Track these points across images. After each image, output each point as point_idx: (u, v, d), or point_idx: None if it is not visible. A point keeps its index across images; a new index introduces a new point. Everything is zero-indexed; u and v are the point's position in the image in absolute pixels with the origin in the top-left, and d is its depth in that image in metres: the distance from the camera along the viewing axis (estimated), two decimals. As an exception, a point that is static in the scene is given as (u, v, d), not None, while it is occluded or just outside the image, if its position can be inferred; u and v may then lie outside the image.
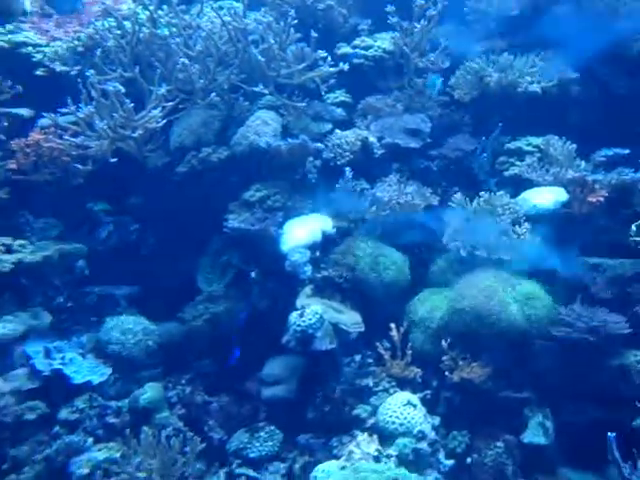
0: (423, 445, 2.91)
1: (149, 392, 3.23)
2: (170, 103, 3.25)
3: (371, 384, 3.22)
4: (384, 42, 4.22)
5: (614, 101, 3.99)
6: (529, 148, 3.92)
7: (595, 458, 2.81)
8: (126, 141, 3.21)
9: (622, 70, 4.05)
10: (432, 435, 2.98)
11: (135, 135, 3.09)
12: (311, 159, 3.62)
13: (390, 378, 3.24)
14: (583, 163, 3.78)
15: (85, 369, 3.22)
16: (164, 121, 3.23)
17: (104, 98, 3.10)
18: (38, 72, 3.88)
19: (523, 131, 3.98)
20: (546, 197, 3.58)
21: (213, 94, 3.35)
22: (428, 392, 3.21)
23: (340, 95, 4.10)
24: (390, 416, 2.99)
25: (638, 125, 3.75)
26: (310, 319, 3.04)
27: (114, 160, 3.19)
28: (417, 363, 3.28)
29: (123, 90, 3.08)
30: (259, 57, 3.41)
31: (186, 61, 3.25)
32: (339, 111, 4.00)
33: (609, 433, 2.39)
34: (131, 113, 3.08)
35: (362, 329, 3.23)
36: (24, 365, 3.22)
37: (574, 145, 3.79)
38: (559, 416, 3.17)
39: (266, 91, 3.52)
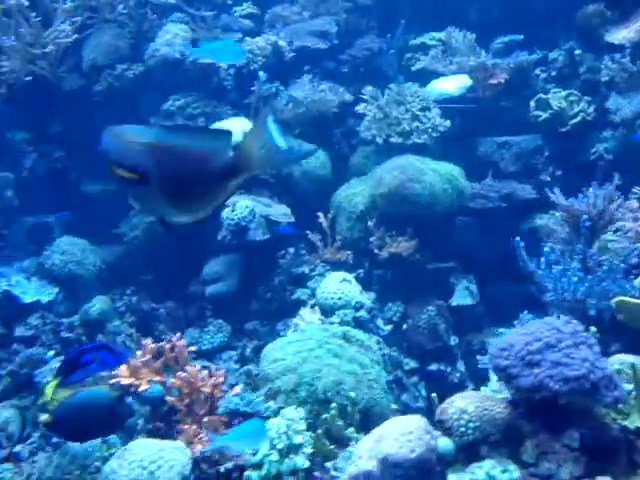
0: (362, 313, 3.10)
1: (98, 304, 3.32)
2: (78, 18, 3.24)
3: (307, 271, 3.39)
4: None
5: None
6: (432, 42, 4.11)
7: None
8: (38, 62, 3.19)
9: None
10: (369, 303, 3.17)
11: (47, 51, 3.07)
12: (225, 67, 3.71)
13: (324, 263, 3.39)
14: (484, 52, 4.02)
15: (32, 290, 3.28)
16: (75, 36, 3.22)
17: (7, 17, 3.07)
18: None
19: (427, 29, 4.17)
20: (451, 84, 3.81)
21: (120, 6, 3.36)
22: (361, 271, 3.37)
23: (247, 7, 4.17)
24: (328, 293, 3.14)
25: (533, 16, 3.99)
26: (242, 212, 3.18)
27: (28, 79, 3.16)
28: (347, 249, 3.42)
29: (27, 3, 3.05)
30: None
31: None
32: (247, 22, 4.07)
33: (516, 238, 2.63)
34: (39, 28, 3.07)
35: (292, 220, 3.37)
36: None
37: (474, 35, 4.00)
38: (483, 280, 3.48)
39: (172, 0, 3.54)
